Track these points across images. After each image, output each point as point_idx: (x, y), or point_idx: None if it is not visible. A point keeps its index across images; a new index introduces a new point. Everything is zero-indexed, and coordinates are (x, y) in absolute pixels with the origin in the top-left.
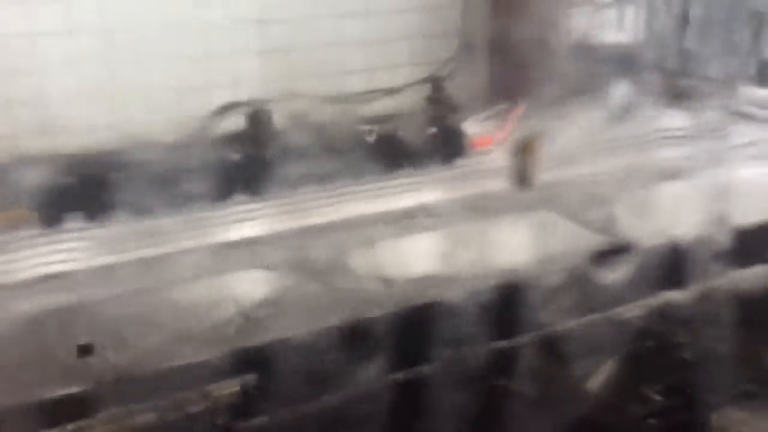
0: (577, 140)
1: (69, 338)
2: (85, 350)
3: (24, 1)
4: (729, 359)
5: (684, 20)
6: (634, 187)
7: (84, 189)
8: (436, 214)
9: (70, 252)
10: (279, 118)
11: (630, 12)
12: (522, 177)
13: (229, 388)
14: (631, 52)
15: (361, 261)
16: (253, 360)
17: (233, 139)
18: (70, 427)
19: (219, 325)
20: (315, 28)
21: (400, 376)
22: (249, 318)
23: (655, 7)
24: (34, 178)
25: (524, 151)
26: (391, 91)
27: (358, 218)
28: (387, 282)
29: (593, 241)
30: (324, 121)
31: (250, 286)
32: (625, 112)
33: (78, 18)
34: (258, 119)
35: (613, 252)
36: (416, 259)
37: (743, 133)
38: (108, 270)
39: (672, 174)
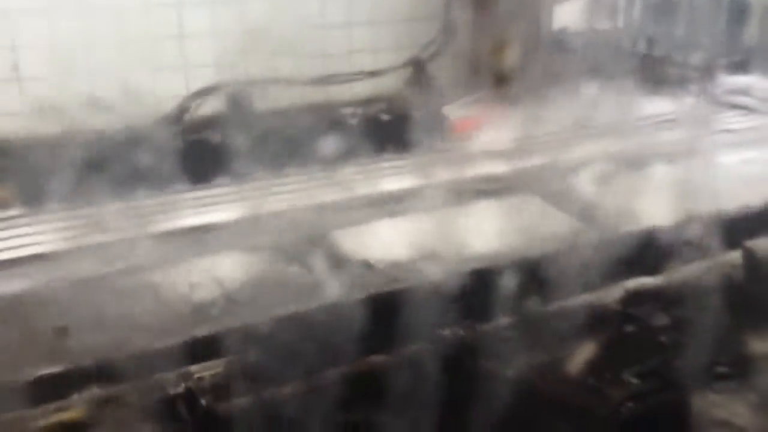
0: (561, 125)
1: (49, 319)
2: (61, 332)
3: None
4: (705, 343)
5: (667, 8)
6: (617, 172)
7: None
8: (417, 197)
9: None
10: (259, 101)
11: None
12: (500, 75)
13: (211, 369)
14: (614, 38)
15: (341, 244)
16: (235, 341)
17: (212, 121)
18: (50, 406)
19: (201, 307)
20: (297, 10)
21: (380, 357)
22: (231, 299)
23: None
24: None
25: (498, 51)
26: (373, 74)
27: (337, 202)
28: (368, 265)
29: (572, 225)
30: (305, 104)
31: (232, 267)
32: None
33: None
34: (237, 101)
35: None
36: (396, 242)
37: (724, 120)
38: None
39: (653, 159)
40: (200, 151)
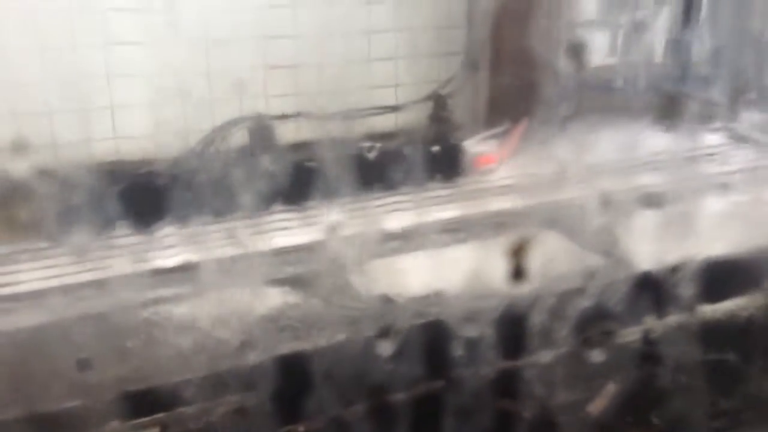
0: (579, 161)
1: (70, 351)
2: (84, 364)
3: None
4: (730, 385)
5: (687, 43)
6: (634, 210)
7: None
8: (436, 231)
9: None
10: (282, 133)
11: (635, 34)
12: (518, 273)
13: (230, 405)
14: (633, 73)
15: (359, 279)
16: (254, 377)
17: (235, 153)
18: None
19: (221, 341)
20: (320, 45)
21: (399, 396)
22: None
23: (658, 30)
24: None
25: (518, 252)
26: (394, 109)
27: (356, 235)
28: (385, 300)
29: (593, 262)
30: (327, 137)
31: (252, 302)
32: None
33: None
34: (261, 134)
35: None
36: (414, 277)
37: (744, 157)
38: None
39: (674, 196)
40: (218, 184)
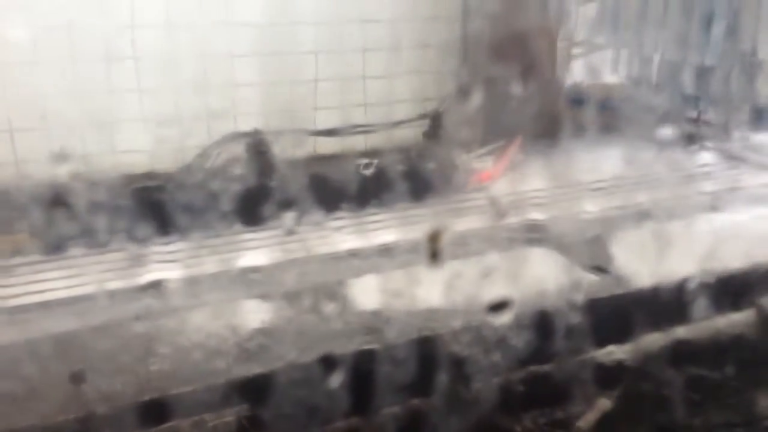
0: (575, 179)
1: (64, 365)
2: (77, 378)
3: None
4: (718, 401)
5: (680, 64)
6: (626, 228)
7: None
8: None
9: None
10: (279, 149)
11: (626, 55)
12: (433, 256)
13: (223, 418)
14: (628, 93)
15: (352, 294)
16: (247, 390)
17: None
18: None
19: (214, 355)
20: (317, 62)
21: (391, 409)
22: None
23: (651, 50)
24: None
25: (434, 238)
26: (389, 126)
27: (350, 251)
28: (378, 315)
29: (587, 277)
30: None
31: (245, 315)
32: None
33: None
34: (257, 150)
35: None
36: (408, 293)
37: (738, 176)
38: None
39: (666, 215)
40: (213, 199)
